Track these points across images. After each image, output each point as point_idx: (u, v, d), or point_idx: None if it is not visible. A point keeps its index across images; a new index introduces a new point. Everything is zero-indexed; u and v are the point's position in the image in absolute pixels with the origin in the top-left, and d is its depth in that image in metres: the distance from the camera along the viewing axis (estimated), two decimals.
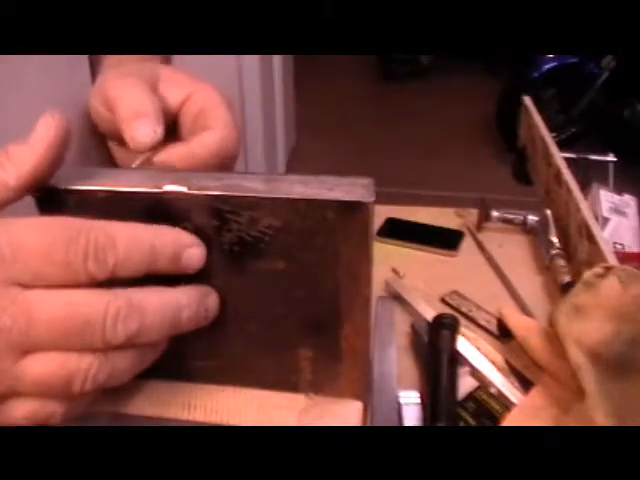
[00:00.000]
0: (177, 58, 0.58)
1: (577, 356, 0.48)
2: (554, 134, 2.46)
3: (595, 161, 0.91)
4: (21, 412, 0.32)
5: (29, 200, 0.35)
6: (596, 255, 0.59)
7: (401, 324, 0.61)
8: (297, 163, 2.62)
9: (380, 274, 0.68)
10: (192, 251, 0.36)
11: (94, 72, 0.52)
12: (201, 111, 0.43)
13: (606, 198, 0.77)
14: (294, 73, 2.66)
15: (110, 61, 0.50)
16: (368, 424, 0.47)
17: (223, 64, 2.05)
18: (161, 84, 0.44)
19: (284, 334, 0.42)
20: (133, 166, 0.41)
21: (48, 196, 0.36)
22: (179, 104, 0.44)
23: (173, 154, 0.41)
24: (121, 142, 0.45)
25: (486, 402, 0.52)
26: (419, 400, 0.52)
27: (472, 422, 0.51)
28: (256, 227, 0.37)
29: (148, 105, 0.40)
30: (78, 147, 0.50)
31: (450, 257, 0.74)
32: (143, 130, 0.39)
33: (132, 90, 0.41)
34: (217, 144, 0.42)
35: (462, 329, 0.58)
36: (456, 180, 2.52)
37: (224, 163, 0.43)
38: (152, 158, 0.41)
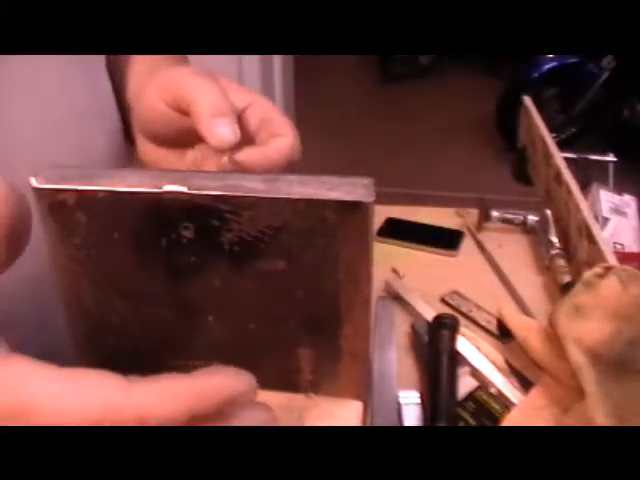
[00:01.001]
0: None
1: (577, 356, 0.48)
2: (554, 134, 2.46)
3: (595, 161, 0.91)
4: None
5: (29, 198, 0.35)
6: (596, 255, 0.59)
7: (401, 324, 0.61)
8: (297, 163, 2.62)
9: (380, 274, 0.68)
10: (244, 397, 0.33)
11: (112, 78, 0.52)
12: (265, 119, 0.44)
13: (606, 198, 0.77)
14: (294, 73, 2.66)
15: (139, 66, 0.50)
16: (368, 424, 0.47)
17: (223, 65, 2.05)
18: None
19: (284, 334, 0.42)
20: (223, 160, 0.42)
21: (49, 196, 0.36)
22: (241, 110, 0.44)
23: (252, 155, 0.42)
24: (179, 142, 0.45)
25: (486, 402, 0.52)
26: (419, 400, 0.52)
27: (472, 422, 0.51)
28: (256, 227, 0.37)
29: (226, 105, 0.41)
30: (90, 146, 0.50)
31: (450, 257, 0.74)
32: (224, 129, 0.40)
33: (208, 89, 0.41)
34: (290, 149, 0.43)
35: (462, 329, 0.58)
36: (456, 180, 2.52)
37: (289, 168, 0.44)
38: (232, 157, 0.41)
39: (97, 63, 0.51)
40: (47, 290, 0.43)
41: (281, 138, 0.43)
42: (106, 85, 0.52)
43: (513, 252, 0.74)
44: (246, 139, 0.44)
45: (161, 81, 0.44)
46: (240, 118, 0.44)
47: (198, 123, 0.40)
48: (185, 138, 0.44)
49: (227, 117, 0.40)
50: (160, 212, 0.37)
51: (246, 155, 0.42)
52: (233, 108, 0.41)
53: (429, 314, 0.60)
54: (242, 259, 0.39)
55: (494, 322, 0.61)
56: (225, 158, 0.41)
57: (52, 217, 0.37)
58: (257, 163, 0.42)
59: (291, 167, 0.45)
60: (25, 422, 0.29)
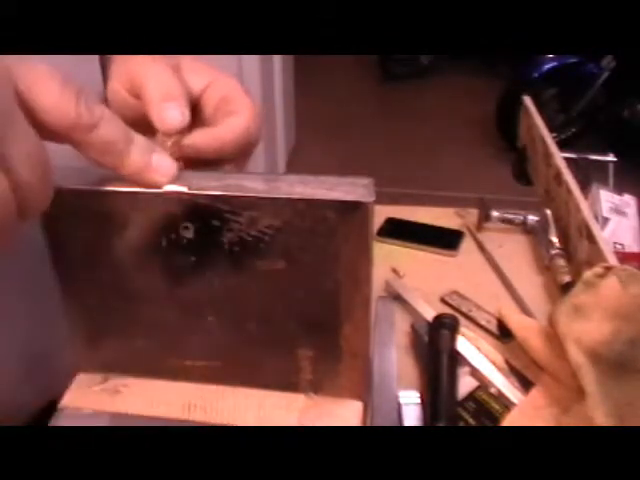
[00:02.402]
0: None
1: (577, 356, 0.48)
2: (554, 134, 2.46)
3: (595, 161, 0.91)
4: None
5: None
6: (596, 255, 0.59)
7: (401, 324, 0.61)
8: (297, 163, 2.63)
9: (380, 274, 0.68)
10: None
11: (103, 70, 0.52)
12: (224, 98, 0.43)
13: (606, 198, 0.77)
14: (294, 73, 2.66)
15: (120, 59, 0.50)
16: (368, 424, 0.47)
17: (223, 65, 2.04)
18: (183, 71, 0.44)
19: (284, 334, 0.42)
20: (167, 145, 0.40)
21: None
22: (200, 91, 0.44)
23: (201, 137, 0.41)
24: (142, 128, 0.45)
25: (486, 402, 0.52)
26: (419, 400, 0.52)
27: (472, 422, 0.51)
28: (256, 227, 0.37)
29: (176, 88, 0.40)
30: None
31: (450, 257, 0.74)
32: (172, 113, 0.39)
33: (159, 74, 0.41)
34: (244, 129, 0.42)
35: (462, 329, 0.58)
36: (456, 180, 2.52)
37: (248, 148, 0.43)
38: (180, 142, 0.40)
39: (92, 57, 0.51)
40: (45, 289, 0.43)
41: (235, 118, 0.42)
42: (97, 73, 0.52)
43: (513, 252, 0.74)
44: (203, 122, 0.43)
45: (119, 70, 0.44)
46: (198, 100, 0.43)
47: (147, 108, 0.40)
48: (148, 125, 0.44)
49: (176, 100, 0.39)
50: (160, 212, 0.37)
51: (194, 138, 0.41)
52: (183, 91, 0.40)
53: (429, 314, 0.60)
54: (242, 259, 0.39)
55: (494, 322, 0.61)
56: (169, 143, 0.39)
57: (53, 217, 0.37)
58: (207, 145, 0.41)
59: (249, 148, 0.43)
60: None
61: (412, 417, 0.50)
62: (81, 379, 0.47)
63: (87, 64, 0.51)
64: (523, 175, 0.87)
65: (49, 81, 0.30)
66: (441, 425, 0.48)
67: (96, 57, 0.52)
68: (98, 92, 0.52)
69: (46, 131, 0.31)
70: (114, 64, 0.48)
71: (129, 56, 0.44)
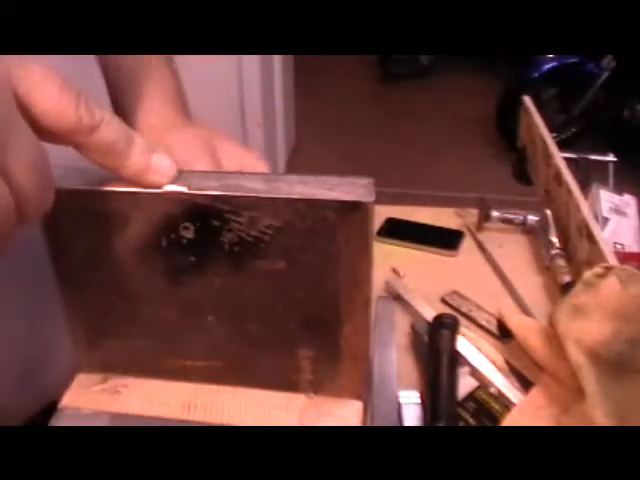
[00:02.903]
0: (179, 59, 0.58)
1: (577, 356, 0.48)
2: (554, 134, 2.46)
3: (595, 161, 0.91)
4: None
5: None
6: (596, 255, 0.59)
7: (401, 324, 0.61)
8: (297, 163, 2.63)
9: (380, 274, 0.68)
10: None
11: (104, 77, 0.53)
12: None
13: (606, 198, 0.77)
14: (294, 73, 2.66)
15: (122, 62, 0.51)
16: (368, 424, 0.47)
17: (223, 65, 2.05)
18: (218, 153, 0.48)
19: (284, 334, 0.42)
20: None
21: None
22: None
23: None
24: None
25: (486, 402, 0.52)
26: (419, 400, 0.52)
27: (472, 422, 0.51)
28: (256, 227, 0.37)
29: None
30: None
31: (450, 257, 0.74)
32: None
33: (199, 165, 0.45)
34: None
35: (462, 329, 0.58)
36: (456, 180, 2.52)
37: None
38: None
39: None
40: (45, 290, 0.43)
41: None
42: (97, 76, 0.52)
43: (513, 252, 0.74)
44: None
45: (149, 129, 0.47)
46: None
47: None
48: None
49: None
50: (160, 212, 0.37)
51: None
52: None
53: (429, 314, 0.60)
54: (242, 259, 0.39)
55: (494, 322, 0.61)
56: None
57: (53, 218, 0.37)
58: None
59: None
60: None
61: (412, 417, 0.50)
62: (81, 379, 0.47)
63: (87, 68, 0.51)
64: (523, 175, 0.87)
65: (48, 84, 0.30)
66: (441, 425, 0.48)
67: (96, 62, 0.52)
68: (103, 100, 0.52)
69: (46, 133, 0.31)
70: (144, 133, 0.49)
71: (162, 129, 0.47)
